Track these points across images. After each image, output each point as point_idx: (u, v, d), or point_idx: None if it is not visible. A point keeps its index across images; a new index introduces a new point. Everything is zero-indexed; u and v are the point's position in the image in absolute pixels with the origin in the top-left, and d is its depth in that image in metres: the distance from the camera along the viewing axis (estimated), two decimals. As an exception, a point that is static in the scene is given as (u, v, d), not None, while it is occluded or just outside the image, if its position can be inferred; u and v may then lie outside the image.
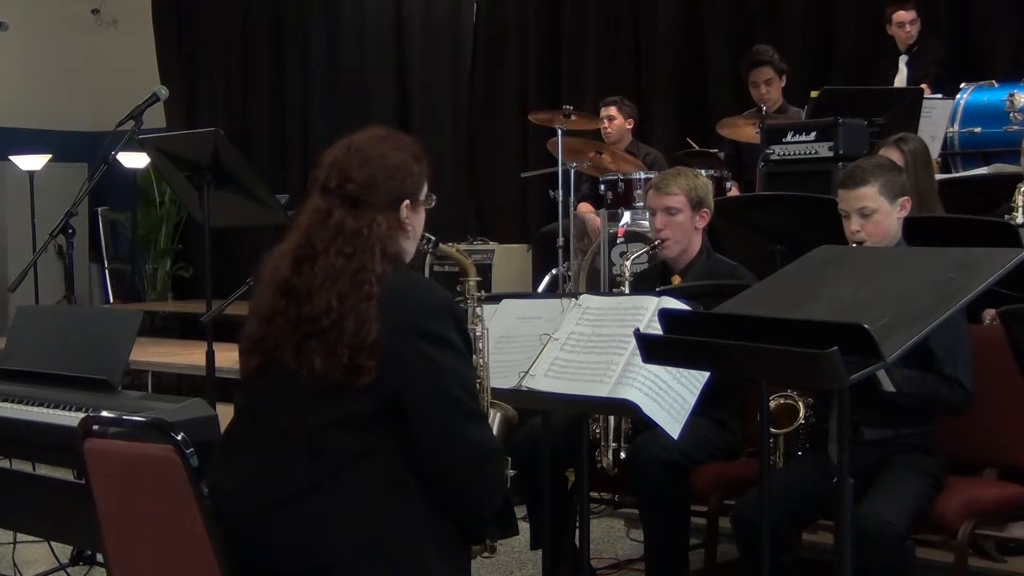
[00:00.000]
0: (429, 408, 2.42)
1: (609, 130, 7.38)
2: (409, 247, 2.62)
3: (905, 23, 6.86)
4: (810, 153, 5.21)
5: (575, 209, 7.08)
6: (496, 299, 3.49)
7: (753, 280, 3.71)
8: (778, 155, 5.33)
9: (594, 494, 4.64)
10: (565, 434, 3.64)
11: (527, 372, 3.14)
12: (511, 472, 2.83)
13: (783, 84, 6.79)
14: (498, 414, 2.94)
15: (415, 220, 2.61)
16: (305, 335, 2.43)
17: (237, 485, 2.44)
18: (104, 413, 3.19)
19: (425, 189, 2.63)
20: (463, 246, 8.10)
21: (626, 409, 3.03)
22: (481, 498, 2.54)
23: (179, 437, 2.35)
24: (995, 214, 4.69)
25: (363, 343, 2.38)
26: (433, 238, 2.80)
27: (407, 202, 2.56)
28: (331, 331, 2.40)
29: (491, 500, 2.56)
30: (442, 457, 2.45)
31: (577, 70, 8.79)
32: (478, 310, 2.96)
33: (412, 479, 2.44)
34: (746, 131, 6.71)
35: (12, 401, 3.78)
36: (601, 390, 3.01)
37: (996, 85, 6.18)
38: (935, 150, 5.68)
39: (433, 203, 2.67)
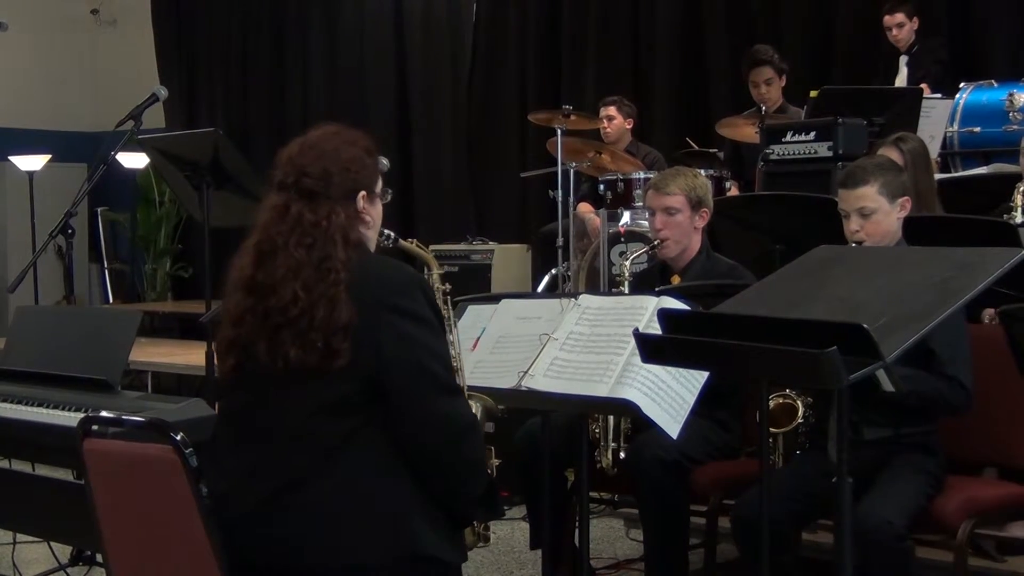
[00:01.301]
0: (407, 382, 2.45)
1: (608, 130, 7.38)
2: (372, 236, 2.66)
3: (892, 27, 6.87)
4: (809, 153, 5.21)
5: (575, 209, 7.08)
6: (495, 299, 3.49)
7: (752, 280, 3.70)
8: (777, 155, 5.33)
9: (594, 494, 4.64)
10: (565, 434, 3.64)
11: (526, 372, 3.14)
12: (496, 461, 2.87)
13: (783, 84, 6.79)
14: (480, 406, 2.95)
15: (373, 211, 2.64)
16: (275, 327, 2.45)
17: (227, 488, 2.45)
18: (103, 413, 3.19)
19: (380, 182, 2.67)
20: (463, 246, 8.12)
21: (625, 409, 3.03)
22: (462, 474, 2.55)
23: (178, 437, 2.36)
24: (994, 214, 4.69)
25: (336, 326, 2.41)
26: (392, 234, 2.83)
27: (363, 193, 2.60)
28: (301, 319, 2.42)
29: (473, 477, 2.57)
30: (422, 432, 2.47)
31: (577, 70, 8.79)
32: (446, 302, 2.99)
33: (399, 460, 2.47)
34: (745, 131, 6.71)
35: (11, 401, 3.78)
36: (600, 390, 3.01)
37: (995, 85, 6.18)
38: (934, 150, 5.68)
39: (389, 197, 2.71)
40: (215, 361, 2.61)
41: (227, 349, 2.54)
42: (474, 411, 2.92)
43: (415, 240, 3.07)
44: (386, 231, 2.78)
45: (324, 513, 2.41)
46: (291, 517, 2.42)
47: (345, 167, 2.57)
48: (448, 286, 3.03)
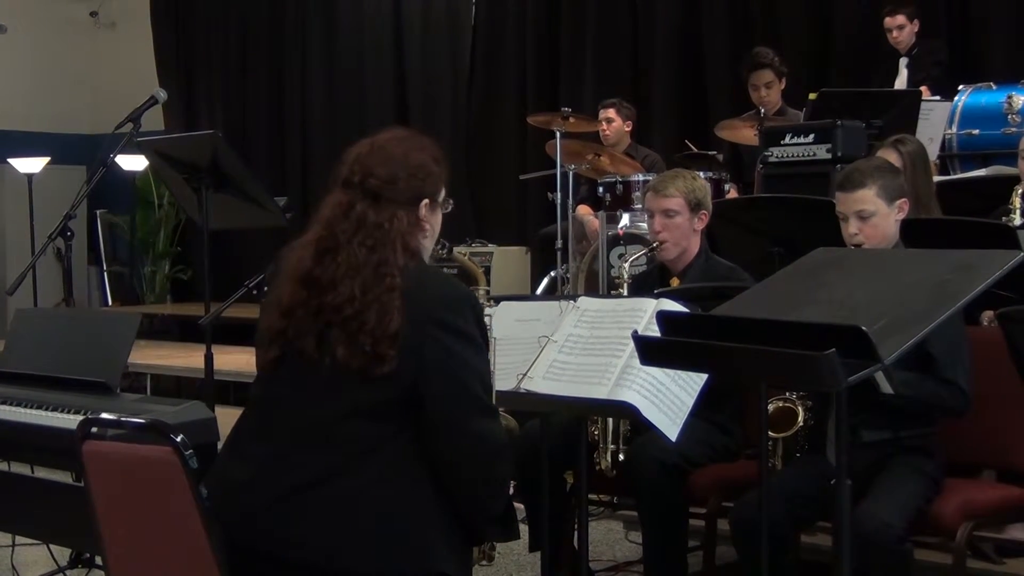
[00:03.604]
0: (446, 400, 2.47)
1: (607, 132, 7.38)
2: (428, 246, 2.67)
3: (892, 29, 6.88)
4: (808, 155, 5.21)
5: (574, 211, 7.08)
6: (495, 301, 3.49)
7: (751, 282, 3.70)
8: (776, 157, 5.33)
9: (593, 496, 4.63)
10: (564, 436, 3.64)
11: (525, 374, 3.14)
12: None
13: (783, 87, 6.80)
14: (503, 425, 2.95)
15: (433, 220, 2.65)
16: (327, 324, 2.47)
17: (250, 475, 2.47)
18: (103, 415, 3.18)
19: (443, 191, 2.67)
20: (462, 248, 8.11)
21: (624, 411, 3.03)
22: (486, 494, 2.57)
23: (178, 439, 2.36)
24: (993, 216, 4.69)
25: (385, 333, 2.42)
26: (447, 244, 2.84)
27: (426, 201, 2.61)
28: (353, 321, 2.44)
29: (496, 497, 2.60)
30: (455, 449, 2.49)
31: (576, 72, 8.79)
32: (487, 318, 2.98)
33: (426, 471, 2.48)
34: (744, 133, 6.71)
35: (11, 404, 3.78)
36: (599, 392, 3.01)
37: (994, 87, 6.18)
38: (933, 152, 5.68)
39: (450, 207, 2.71)
40: (255, 348, 2.59)
41: (272, 339, 2.55)
42: None
43: (467, 253, 3.08)
44: (442, 240, 2.79)
45: (342, 516, 2.42)
46: (309, 514, 2.42)
47: (412, 172, 2.58)
48: (493, 303, 3.05)
